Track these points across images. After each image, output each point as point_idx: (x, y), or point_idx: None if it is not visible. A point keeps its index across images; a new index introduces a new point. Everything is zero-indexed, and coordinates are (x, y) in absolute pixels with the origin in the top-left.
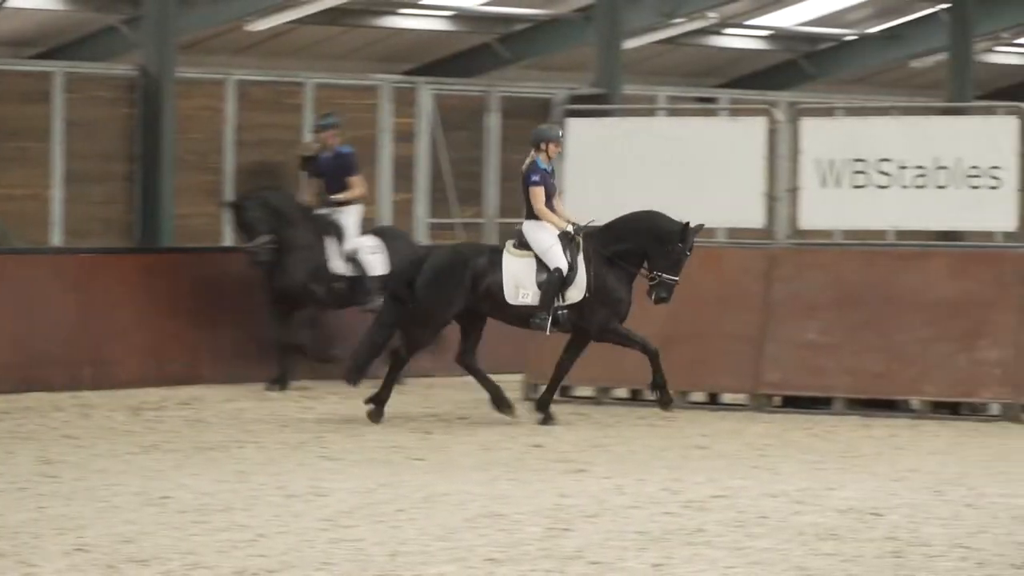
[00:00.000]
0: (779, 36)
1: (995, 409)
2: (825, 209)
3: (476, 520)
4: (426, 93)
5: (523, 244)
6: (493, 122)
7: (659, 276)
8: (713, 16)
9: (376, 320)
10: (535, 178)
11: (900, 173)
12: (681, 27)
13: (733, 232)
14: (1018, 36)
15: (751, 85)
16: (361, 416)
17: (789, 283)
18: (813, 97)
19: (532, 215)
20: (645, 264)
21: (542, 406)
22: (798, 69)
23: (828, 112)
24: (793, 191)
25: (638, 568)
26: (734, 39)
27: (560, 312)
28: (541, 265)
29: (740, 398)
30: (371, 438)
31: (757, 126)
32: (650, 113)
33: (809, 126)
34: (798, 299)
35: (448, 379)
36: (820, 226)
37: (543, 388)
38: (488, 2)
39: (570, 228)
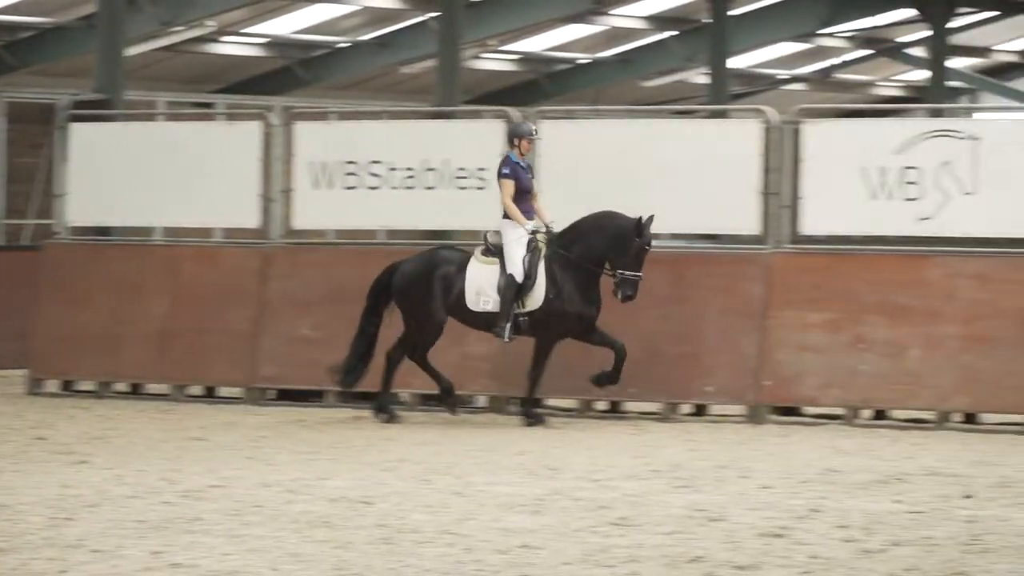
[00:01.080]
0: (275, 43)
1: (482, 401)
2: (318, 209)
3: None
4: None
5: (490, 252)
6: None
7: (622, 274)
8: (211, 24)
9: (358, 328)
10: (505, 171)
11: (390, 175)
12: (181, 35)
13: (230, 232)
14: (504, 43)
15: (248, 90)
16: None
17: (284, 281)
18: (307, 102)
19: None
20: (607, 265)
21: (527, 415)
22: (293, 75)
23: (321, 116)
24: (287, 192)
25: (138, 556)
26: (231, 46)
27: (521, 319)
28: (503, 270)
29: (236, 391)
30: None
31: (252, 130)
32: (151, 118)
33: (303, 130)
34: (292, 296)
35: None
36: (313, 226)
37: (48, 383)
38: None
39: (529, 227)
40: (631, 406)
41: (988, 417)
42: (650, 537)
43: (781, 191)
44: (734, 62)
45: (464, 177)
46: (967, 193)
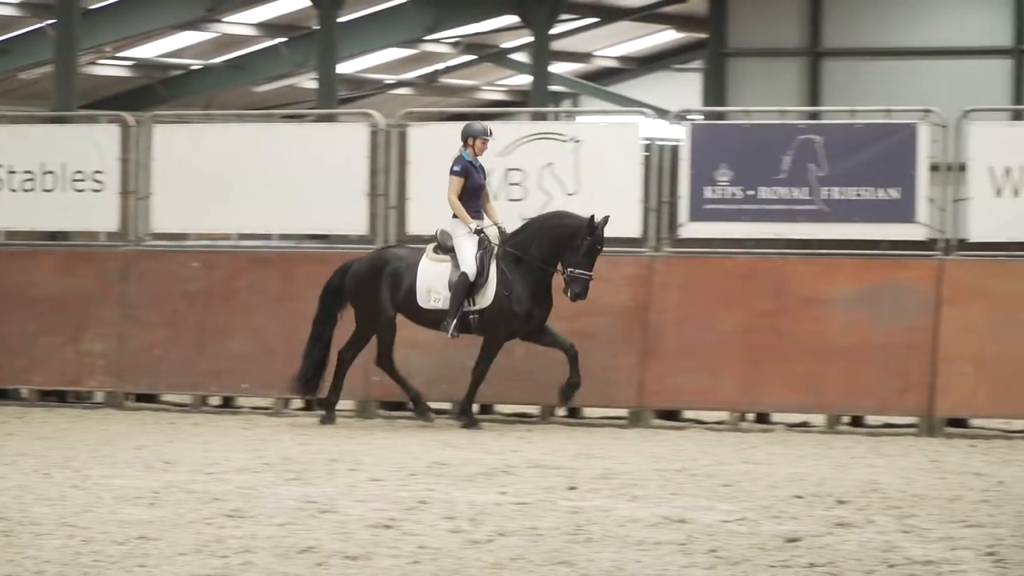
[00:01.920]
0: None
1: (100, 397)
2: None
3: None
4: None
5: (442, 249)
6: None
7: (572, 272)
8: None
9: (311, 334)
10: (456, 168)
11: (9, 178)
12: None
13: None
14: (119, 49)
15: None
16: None
17: None
18: None
19: None
20: (559, 264)
21: (463, 413)
22: None
23: None
24: None
25: None
26: None
27: (472, 317)
28: (455, 267)
29: None
30: None
31: None
32: None
33: None
34: None
35: None
36: None
37: None
38: None
39: (474, 225)
40: (243, 401)
41: (591, 411)
42: (263, 528)
43: (388, 192)
44: (343, 67)
45: (81, 180)
46: (569, 194)
